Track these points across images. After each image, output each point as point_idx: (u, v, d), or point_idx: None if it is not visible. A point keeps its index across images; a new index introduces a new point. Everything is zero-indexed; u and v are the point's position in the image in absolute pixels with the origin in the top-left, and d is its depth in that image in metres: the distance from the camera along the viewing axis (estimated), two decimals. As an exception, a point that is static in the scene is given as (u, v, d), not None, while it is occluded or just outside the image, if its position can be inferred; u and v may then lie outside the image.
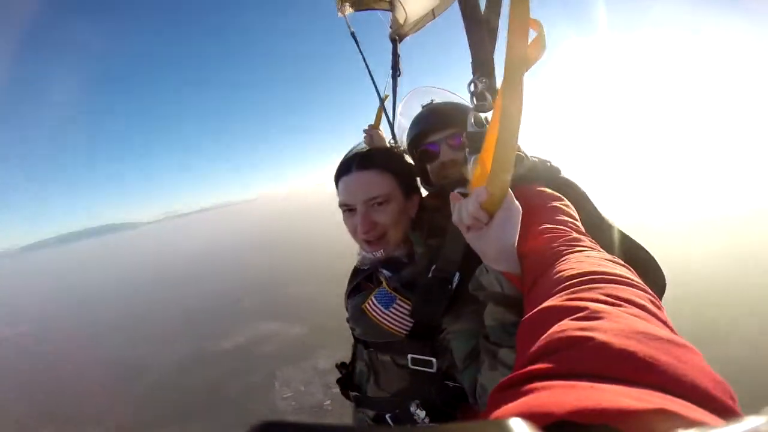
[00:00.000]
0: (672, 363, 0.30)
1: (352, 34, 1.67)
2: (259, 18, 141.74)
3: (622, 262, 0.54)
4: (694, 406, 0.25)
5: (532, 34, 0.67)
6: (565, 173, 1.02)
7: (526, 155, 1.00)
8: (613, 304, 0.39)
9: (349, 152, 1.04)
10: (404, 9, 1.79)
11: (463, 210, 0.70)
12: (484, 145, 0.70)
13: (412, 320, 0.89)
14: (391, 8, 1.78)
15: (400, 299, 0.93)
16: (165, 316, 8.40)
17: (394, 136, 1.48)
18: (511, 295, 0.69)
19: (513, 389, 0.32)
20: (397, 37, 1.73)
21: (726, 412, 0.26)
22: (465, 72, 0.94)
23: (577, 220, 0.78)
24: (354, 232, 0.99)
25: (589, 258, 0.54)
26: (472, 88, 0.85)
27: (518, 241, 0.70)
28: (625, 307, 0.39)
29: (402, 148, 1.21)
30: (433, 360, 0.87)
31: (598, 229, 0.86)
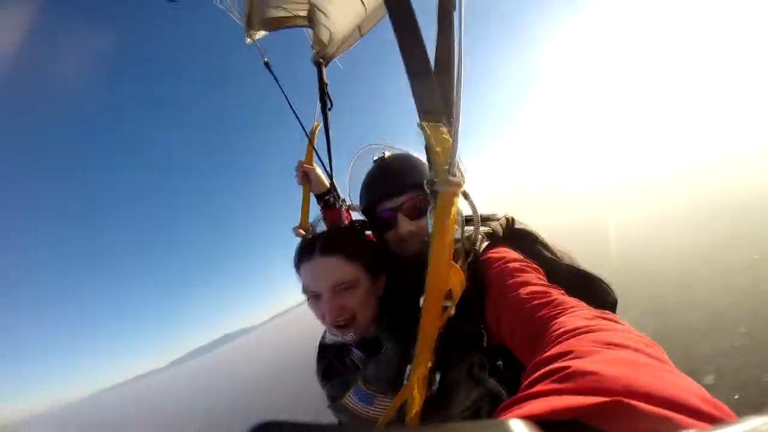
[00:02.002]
0: (644, 379, 0.33)
1: (266, 63, 1.41)
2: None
3: (612, 316, 0.56)
4: (658, 408, 0.29)
5: None
6: (518, 220, 1.05)
7: (481, 228, 0.96)
8: (602, 348, 0.42)
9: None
10: (327, 25, 1.57)
11: None
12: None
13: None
14: (312, 25, 1.54)
15: (381, 396, 0.91)
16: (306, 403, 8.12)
17: (333, 189, 1.35)
18: None
19: (501, 412, 0.38)
20: (321, 60, 1.50)
21: (706, 417, 0.29)
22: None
23: (543, 275, 0.80)
24: (322, 318, 0.95)
25: (578, 318, 0.56)
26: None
27: (502, 307, 0.72)
28: (615, 349, 0.42)
29: (356, 207, 1.17)
30: None
31: (550, 267, 0.90)
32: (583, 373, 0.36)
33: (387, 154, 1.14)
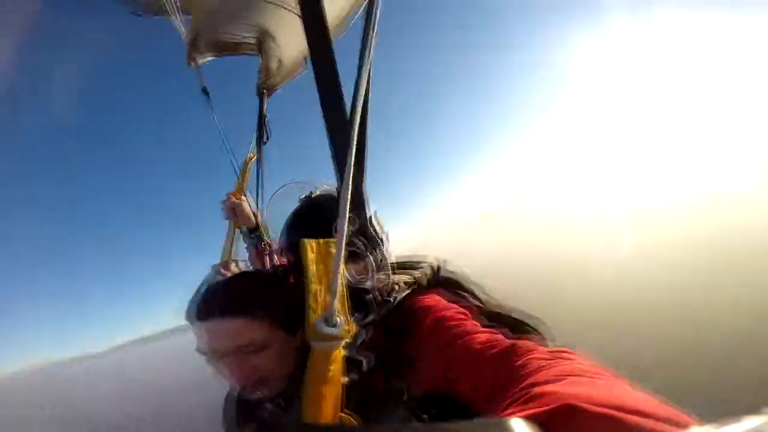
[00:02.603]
0: (598, 392, 0.37)
1: (204, 89, 1.39)
2: None
3: (570, 352, 0.57)
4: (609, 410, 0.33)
5: None
6: (444, 267, 0.99)
7: (400, 277, 0.91)
8: (563, 377, 0.46)
9: (203, 285, 0.80)
10: (277, 53, 1.55)
11: None
12: None
13: None
14: (261, 53, 1.52)
15: None
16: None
17: (257, 228, 1.29)
18: None
19: None
20: (265, 90, 1.48)
21: (662, 420, 0.31)
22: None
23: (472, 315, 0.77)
24: (226, 377, 0.81)
25: (537, 360, 0.57)
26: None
27: (455, 360, 0.67)
28: (575, 377, 0.45)
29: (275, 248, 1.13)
30: None
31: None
32: (543, 394, 0.40)
33: (316, 191, 1.06)
